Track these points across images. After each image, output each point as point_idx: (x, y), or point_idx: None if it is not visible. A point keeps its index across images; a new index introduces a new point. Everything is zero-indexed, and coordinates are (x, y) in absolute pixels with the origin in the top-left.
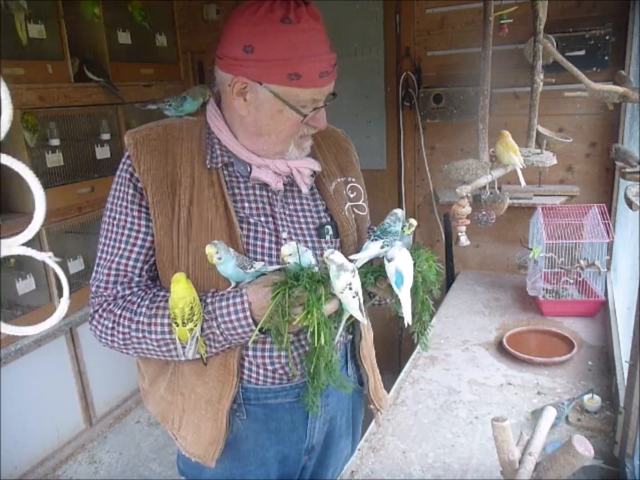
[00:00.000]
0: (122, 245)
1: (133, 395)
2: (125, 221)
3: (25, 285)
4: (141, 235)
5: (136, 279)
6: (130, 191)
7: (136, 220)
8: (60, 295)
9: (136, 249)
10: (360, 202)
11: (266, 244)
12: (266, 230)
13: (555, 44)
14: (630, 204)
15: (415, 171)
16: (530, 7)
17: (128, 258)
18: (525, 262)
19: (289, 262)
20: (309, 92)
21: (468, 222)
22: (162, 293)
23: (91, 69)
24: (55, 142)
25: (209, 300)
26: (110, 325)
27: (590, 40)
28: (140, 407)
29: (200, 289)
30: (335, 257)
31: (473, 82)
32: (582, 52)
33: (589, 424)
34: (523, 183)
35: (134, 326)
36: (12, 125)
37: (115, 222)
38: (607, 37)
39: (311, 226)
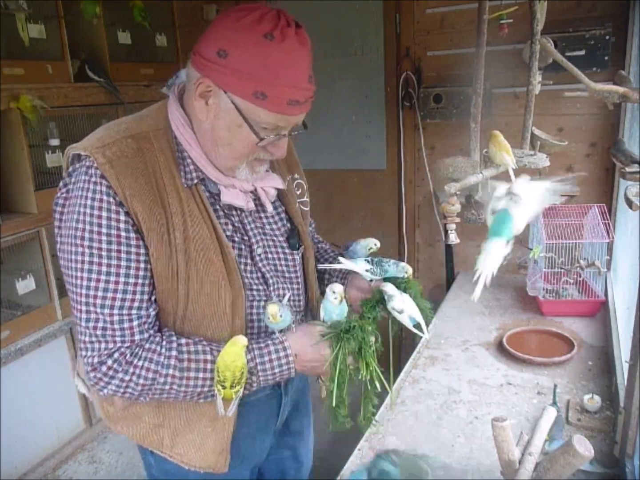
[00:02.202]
0: (122, 279)
1: None
2: (120, 251)
3: (25, 285)
4: (142, 265)
5: (143, 313)
6: (122, 218)
7: (134, 250)
8: (61, 295)
9: (140, 281)
10: (304, 198)
11: (248, 261)
12: (243, 247)
13: (553, 45)
14: (630, 204)
15: (415, 171)
16: (529, 9)
17: (134, 293)
18: (525, 262)
19: (278, 320)
20: (272, 116)
21: (458, 220)
22: (183, 341)
23: (92, 69)
24: (55, 142)
25: (249, 356)
26: (127, 378)
27: (590, 40)
28: None
29: (200, 316)
30: (388, 288)
31: (473, 82)
32: (582, 52)
33: (589, 424)
34: None
35: (162, 379)
36: (12, 125)
37: (105, 254)
38: (607, 37)
39: (281, 238)
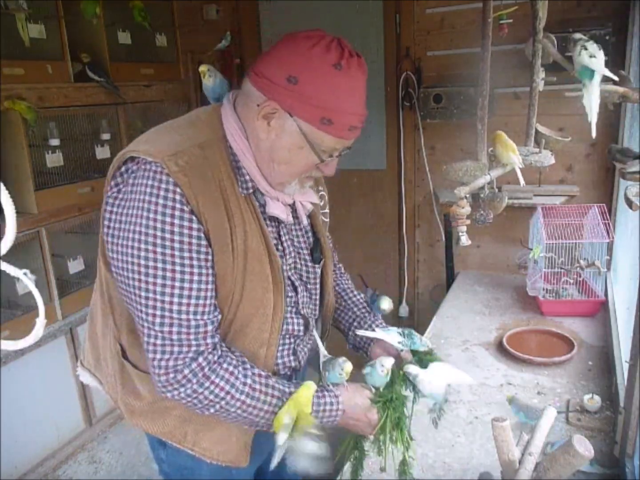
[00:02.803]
0: (195, 286)
1: None
2: (192, 258)
3: (25, 285)
4: (210, 271)
5: (212, 317)
6: (194, 225)
7: (203, 256)
8: (61, 295)
9: (209, 286)
10: (326, 210)
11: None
12: (279, 258)
13: (556, 43)
14: (630, 204)
15: (415, 171)
16: (530, 7)
17: (205, 298)
18: (525, 262)
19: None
20: (333, 141)
21: (468, 222)
22: (256, 371)
23: (92, 69)
24: (55, 142)
25: None
26: (200, 390)
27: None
28: None
29: (246, 319)
30: (412, 369)
31: (473, 82)
32: None
33: (589, 424)
34: (522, 182)
35: (232, 402)
36: (12, 125)
37: (178, 262)
38: (607, 37)
39: (306, 251)
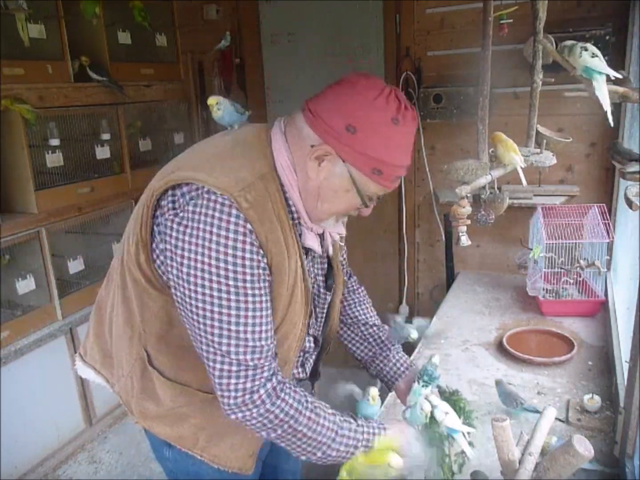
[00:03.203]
0: (264, 313)
1: None
2: (260, 288)
3: (25, 285)
4: (270, 297)
5: (274, 339)
6: (262, 259)
7: (267, 284)
8: (61, 295)
9: (272, 311)
10: (344, 235)
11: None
12: (310, 284)
13: (554, 43)
14: (630, 204)
15: (415, 171)
16: (530, 7)
17: (271, 322)
18: (525, 262)
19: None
20: (377, 188)
21: (468, 222)
22: (305, 393)
23: (93, 68)
24: (55, 142)
25: (360, 436)
26: (272, 409)
27: (590, 40)
28: None
29: (281, 338)
30: (447, 422)
31: (473, 82)
32: None
33: (589, 424)
34: (524, 182)
35: (300, 418)
36: (12, 125)
37: (250, 293)
38: (607, 37)
39: (321, 278)
